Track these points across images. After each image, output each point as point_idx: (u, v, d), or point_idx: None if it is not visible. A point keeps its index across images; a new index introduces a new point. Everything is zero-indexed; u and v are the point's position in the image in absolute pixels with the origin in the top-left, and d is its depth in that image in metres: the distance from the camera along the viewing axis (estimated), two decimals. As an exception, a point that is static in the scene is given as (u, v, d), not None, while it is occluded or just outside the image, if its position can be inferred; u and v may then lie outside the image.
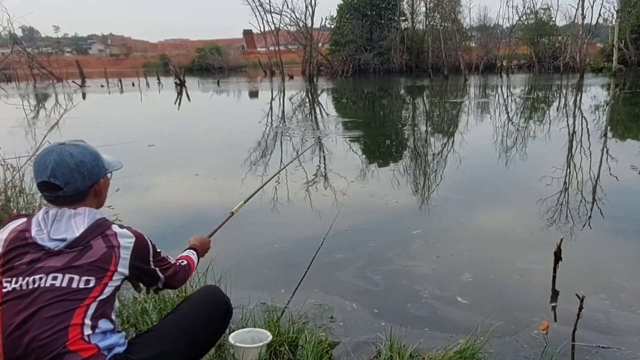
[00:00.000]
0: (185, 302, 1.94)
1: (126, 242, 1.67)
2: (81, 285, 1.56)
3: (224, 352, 2.40)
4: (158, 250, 1.81)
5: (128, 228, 1.72)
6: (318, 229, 4.56)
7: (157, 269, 1.80)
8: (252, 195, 2.77)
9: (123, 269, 1.65)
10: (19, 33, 35.35)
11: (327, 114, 15.51)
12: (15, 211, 3.89)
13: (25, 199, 3.94)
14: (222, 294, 2.03)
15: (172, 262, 1.91)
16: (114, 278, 1.63)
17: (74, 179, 1.64)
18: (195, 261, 2.11)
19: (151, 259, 1.77)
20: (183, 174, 7.36)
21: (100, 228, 1.65)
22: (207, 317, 1.90)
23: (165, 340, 1.75)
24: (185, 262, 2.01)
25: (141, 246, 1.72)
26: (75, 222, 1.63)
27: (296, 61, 44.03)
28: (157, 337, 1.76)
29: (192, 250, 2.14)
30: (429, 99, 20.89)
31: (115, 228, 1.68)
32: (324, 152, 8.97)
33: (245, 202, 2.64)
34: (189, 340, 1.81)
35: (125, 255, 1.65)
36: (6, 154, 4.45)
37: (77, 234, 1.61)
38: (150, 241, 1.77)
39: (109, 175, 1.79)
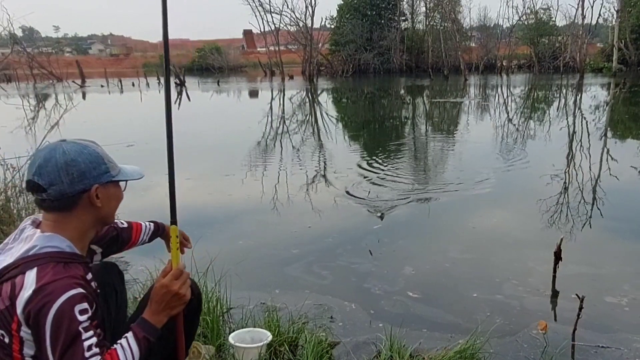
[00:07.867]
0: (143, 301, 1.68)
1: (24, 296, 1.24)
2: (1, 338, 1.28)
3: (224, 352, 2.40)
4: (87, 336, 1.26)
5: (54, 277, 1.25)
6: (316, 228, 4.57)
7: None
8: None
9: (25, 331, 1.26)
10: (19, 33, 35.29)
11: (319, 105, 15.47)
12: (15, 211, 3.89)
13: (26, 199, 3.93)
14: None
15: None
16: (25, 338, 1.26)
17: (59, 179, 1.35)
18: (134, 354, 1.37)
19: (48, 344, 1.23)
20: (156, 172, 7.16)
21: (21, 267, 1.28)
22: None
23: None
24: None
25: (37, 308, 1.23)
26: (19, 247, 1.34)
27: (296, 61, 44.00)
28: None
29: (132, 335, 1.42)
30: (429, 98, 20.88)
31: (30, 275, 1.25)
32: (324, 154, 8.97)
33: None
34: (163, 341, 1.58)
35: (20, 313, 1.25)
36: (6, 154, 4.44)
37: (2, 265, 1.31)
38: (76, 315, 1.25)
39: (122, 184, 1.52)
